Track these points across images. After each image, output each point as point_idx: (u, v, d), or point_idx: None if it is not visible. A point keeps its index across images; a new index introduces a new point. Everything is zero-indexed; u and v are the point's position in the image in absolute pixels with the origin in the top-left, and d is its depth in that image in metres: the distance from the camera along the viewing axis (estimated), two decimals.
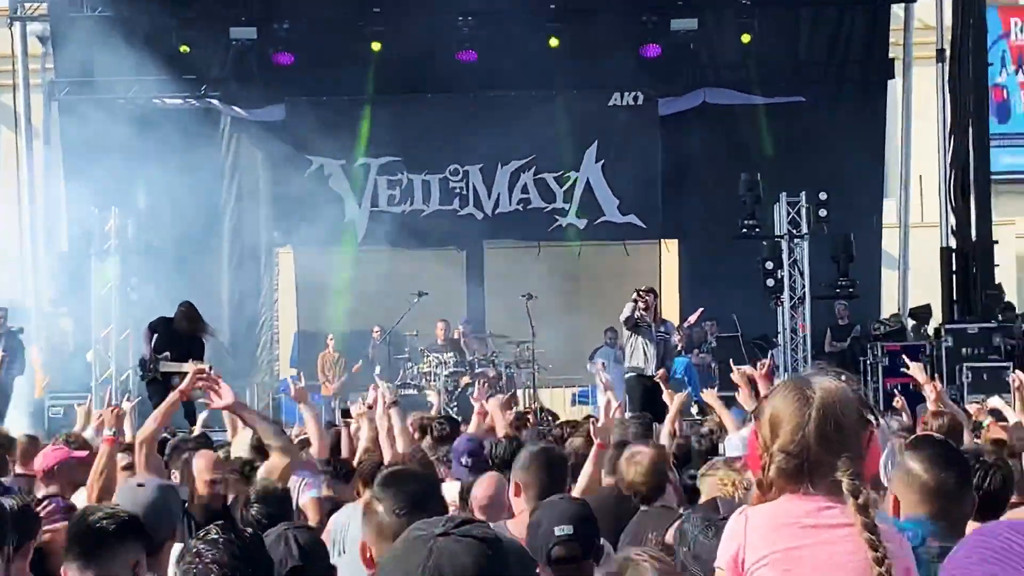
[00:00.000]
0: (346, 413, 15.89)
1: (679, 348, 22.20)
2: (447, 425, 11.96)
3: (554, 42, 24.49)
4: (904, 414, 11.91)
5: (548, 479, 6.23)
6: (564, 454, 7.58)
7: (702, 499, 5.99)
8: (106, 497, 7.14)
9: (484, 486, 7.17)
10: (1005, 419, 11.15)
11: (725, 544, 3.91)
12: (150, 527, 5.09)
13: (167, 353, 19.03)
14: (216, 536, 4.35)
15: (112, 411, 10.54)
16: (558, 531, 5.21)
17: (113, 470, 7.94)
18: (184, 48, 24.09)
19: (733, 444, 9.63)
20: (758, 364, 10.14)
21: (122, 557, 4.84)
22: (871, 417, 3.91)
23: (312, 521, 8.13)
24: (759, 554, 3.79)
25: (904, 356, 11.75)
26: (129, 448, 9.58)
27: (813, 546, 3.76)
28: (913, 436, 5.79)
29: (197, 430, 14.82)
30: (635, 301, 18.79)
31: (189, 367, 18.58)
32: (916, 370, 10.49)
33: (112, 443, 8.06)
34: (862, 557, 3.71)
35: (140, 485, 6.08)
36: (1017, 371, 12.38)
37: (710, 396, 12.04)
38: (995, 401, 11.88)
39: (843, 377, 3.92)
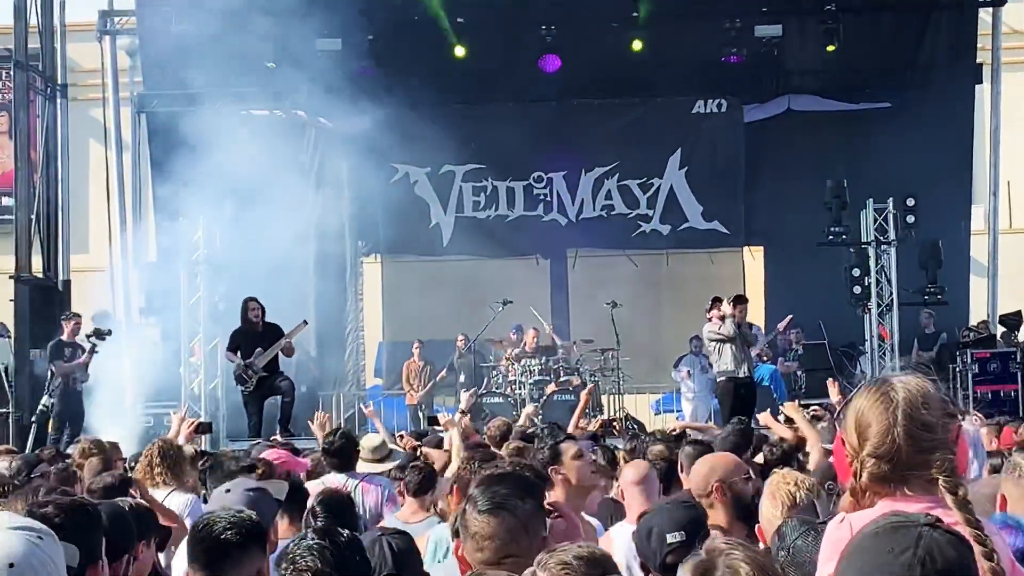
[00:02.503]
0: (433, 421, 15.99)
1: (763, 356, 22.09)
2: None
3: (637, 45, 24.39)
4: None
5: None
6: None
7: (763, 499, 5.97)
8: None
9: (636, 468, 7.55)
10: None
11: (830, 554, 3.82)
12: None
13: (258, 349, 19.29)
14: (311, 542, 4.34)
15: (189, 423, 10.80)
16: (671, 538, 5.22)
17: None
18: (271, 65, 24.26)
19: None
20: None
21: (246, 566, 4.83)
22: (955, 412, 3.87)
23: None
24: None
25: None
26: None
27: None
28: None
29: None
30: (732, 316, 18.61)
31: (284, 342, 19.03)
32: None
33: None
34: None
35: (227, 491, 6.08)
36: None
37: (792, 408, 11.94)
38: None
39: (922, 375, 3.88)
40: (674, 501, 5.98)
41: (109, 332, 19.89)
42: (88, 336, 19.78)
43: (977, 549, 3.64)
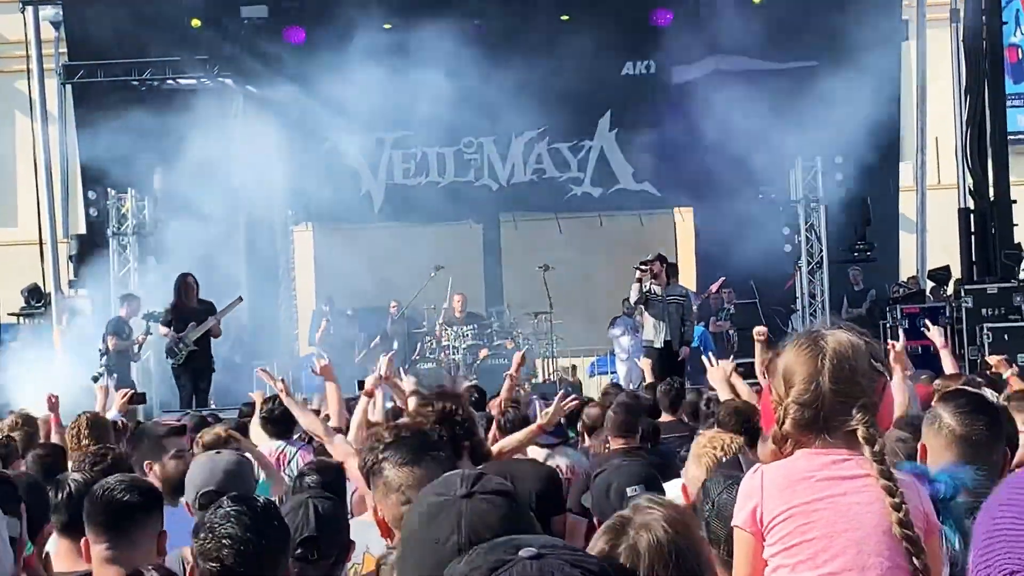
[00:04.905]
0: (362, 385, 15.98)
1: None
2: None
3: (565, 18, 24.39)
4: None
5: None
6: None
7: (689, 460, 6.00)
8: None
9: None
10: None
11: (741, 503, 3.93)
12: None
13: (191, 324, 19.26)
14: (227, 509, 4.35)
15: (123, 394, 10.73)
16: (630, 491, 5.27)
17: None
18: (196, 22, 24.04)
19: None
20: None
21: (140, 529, 4.88)
22: (882, 368, 3.93)
23: None
24: (777, 510, 3.82)
25: (925, 321, 11.72)
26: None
27: (830, 499, 3.79)
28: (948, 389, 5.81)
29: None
30: (639, 281, 18.51)
31: (217, 318, 19.11)
32: (935, 333, 10.63)
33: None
34: (880, 507, 3.73)
35: (218, 452, 6.28)
36: None
37: (726, 367, 11.93)
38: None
39: (855, 330, 3.95)
40: (629, 458, 6.00)
41: (162, 315, 20.36)
42: (143, 317, 20.28)
43: (887, 500, 3.71)
